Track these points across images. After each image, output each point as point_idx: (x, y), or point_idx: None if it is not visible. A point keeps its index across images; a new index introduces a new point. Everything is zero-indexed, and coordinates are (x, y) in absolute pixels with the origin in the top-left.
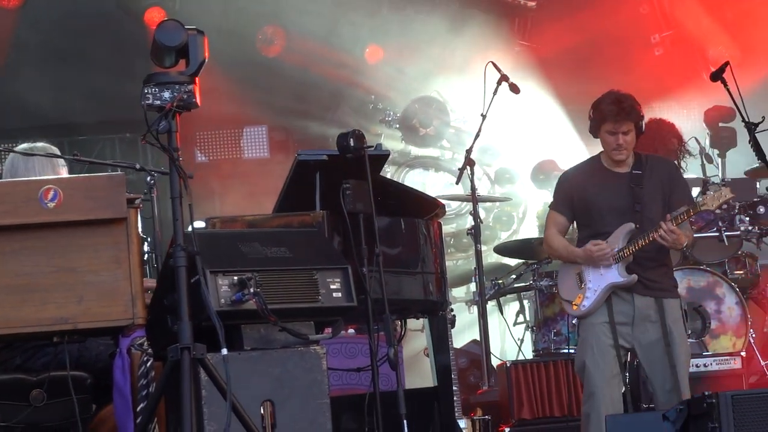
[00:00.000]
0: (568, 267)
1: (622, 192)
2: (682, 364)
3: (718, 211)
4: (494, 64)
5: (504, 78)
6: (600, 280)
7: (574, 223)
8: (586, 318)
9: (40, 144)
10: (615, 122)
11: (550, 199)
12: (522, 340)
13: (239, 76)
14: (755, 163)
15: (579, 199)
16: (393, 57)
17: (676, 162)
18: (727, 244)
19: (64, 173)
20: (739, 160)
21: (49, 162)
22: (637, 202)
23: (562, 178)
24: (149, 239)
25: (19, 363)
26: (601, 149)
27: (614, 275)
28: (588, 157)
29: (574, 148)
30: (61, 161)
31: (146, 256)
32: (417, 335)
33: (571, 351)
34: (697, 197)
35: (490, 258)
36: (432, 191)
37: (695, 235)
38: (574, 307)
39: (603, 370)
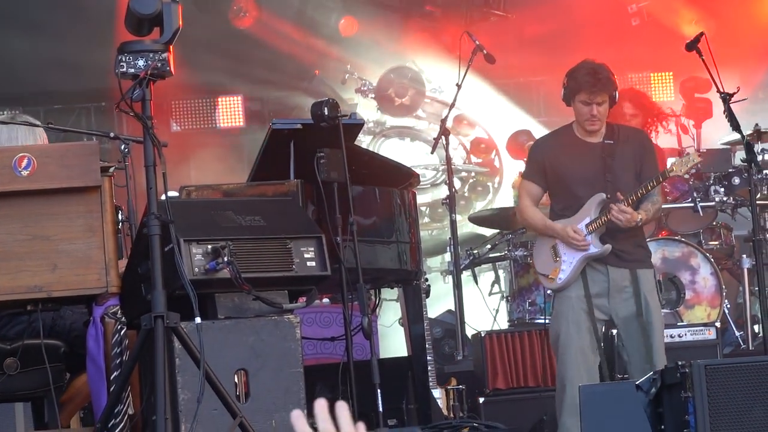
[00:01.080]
0: (543, 241)
1: (593, 162)
2: (656, 334)
3: (686, 176)
4: (469, 34)
5: (479, 48)
6: (574, 252)
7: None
8: (561, 291)
9: (24, 116)
10: (590, 93)
11: (523, 169)
12: (497, 310)
13: (213, 46)
14: (730, 134)
15: (551, 167)
16: (367, 29)
17: (652, 131)
18: (702, 214)
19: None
20: (715, 132)
21: (31, 132)
22: (608, 171)
23: (534, 147)
24: (123, 208)
25: None
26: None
27: (588, 247)
28: (560, 126)
29: (547, 120)
30: (42, 132)
31: (120, 224)
32: (392, 305)
33: (547, 321)
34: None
35: (465, 228)
36: (407, 161)
37: (670, 206)
38: (550, 281)
39: (578, 341)
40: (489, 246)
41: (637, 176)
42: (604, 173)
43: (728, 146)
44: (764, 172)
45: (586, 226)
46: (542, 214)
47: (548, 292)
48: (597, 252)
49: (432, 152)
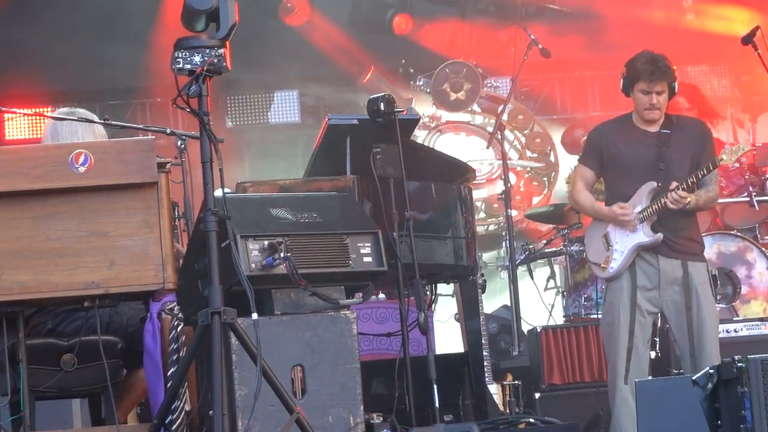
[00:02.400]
0: (595, 229)
1: (648, 150)
2: (708, 327)
3: (737, 164)
4: (524, 29)
5: (534, 42)
6: (626, 240)
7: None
8: (612, 282)
9: (80, 110)
10: (649, 81)
11: (573, 169)
12: (552, 306)
13: (268, 42)
14: None
15: (607, 153)
16: (422, 25)
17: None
18: (757, 209)
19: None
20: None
21: (90, 127)
22: (661, 160)
23: (592, 132)
24: (179, 204)
25: (50, 327)
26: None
27: (639, 235)
28: (620, 115)
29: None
30: (101, 128)
31: (176, 220)
32: (447, 300)
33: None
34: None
35: (521, 223)
36: (463, 156)
37: (726, 201)
38: (602, 269)
39: (628, 334)
40: (545, 241)
41: (693, 165)
42: (657, 161)
43: None
44: None
45: (637, 214)
46: (593, 198)
47: (602, 286)
48: (649, 241)
49: (487, 147)
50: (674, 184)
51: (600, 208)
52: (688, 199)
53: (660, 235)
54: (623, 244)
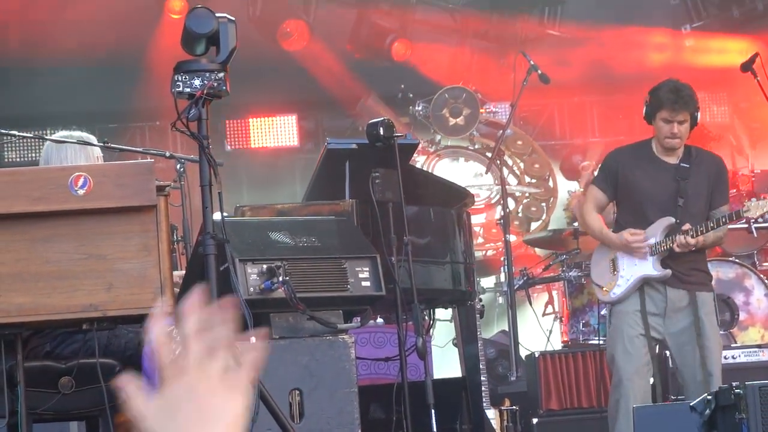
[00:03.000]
0: (603, 252)
1: (667, 183)
2: (714, 356)
3: (761, 220)
4: (524, 54)
5: (533, 68)
6: (634, 269)
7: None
8: (617, 306)
9: (76, 132)
10: (672, 110)
11: (577, 189)
12: (551, 331)
13: (264, 67)
14: None
15: (623, 179)
16: (422, 51)
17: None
18: (756, 235)
19: (99, 162)
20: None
21: (82, 150)
22: (680, 196)
23: (610, 155)
24: (178, 227)
25: (48, 350)
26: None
27: (648, 268)
28: (638, 141)
29: (601, 140)
30: (97, 151)
31: (175, 244)
32: (445, 325)
33: (600, 342)
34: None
35: (520, 248)
36: (461, 181)
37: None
38: (604, 293)
39: (633, 359)
40: (543, 267)
41: (707, 202)
42: (676, 196)
43: None
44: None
45: (650, 247)
46: (602, 223)
47: (602, 312)
48: (657, 275)
49: (486, 172)
50: (687, 226)
51: (609, 234)
52: (694, 242)
53: (669, 272)
54: (630, 272)
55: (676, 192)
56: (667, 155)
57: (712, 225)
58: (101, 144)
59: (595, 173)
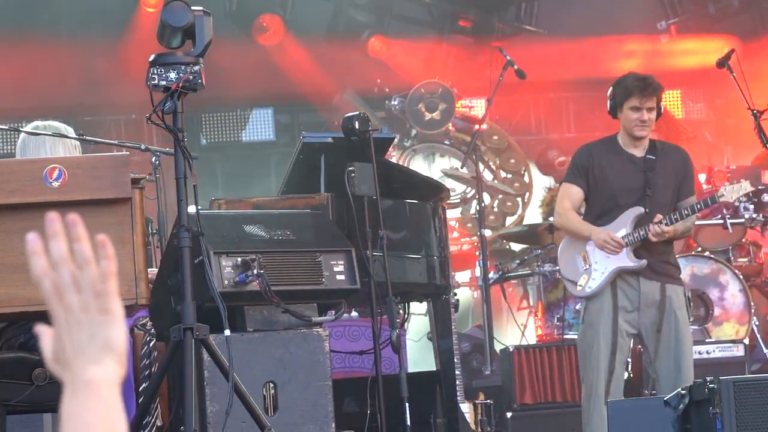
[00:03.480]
0: (572, 246)
1: (635, 175)
2: (686, 350)
3: (737, 203)
4: (500, 50)
5: (509, 63)
6: (607, 262)
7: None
8: (591, 303)
9: (54, 123)
10: (641, 97)
11: (552, 185)
12: (525, 326)
13: (243, 61)
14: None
15: (593, 173)
16: (399, 46)
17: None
18: (731, 231)
19: (77, 152)
20: (746, 149)
21: (60, 141)
22: (648, 187)
23: (579, 151)
24: (153, 220)
25: (23, 341)
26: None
27: (623, 259)
28: (604, 137)
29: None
30: (76, 144)
31: (150, 236)
32: (420, 319)
33: (575, 336)
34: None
35: (495, 243)
36: (437, 176)
37: (699, 223)
38: (578, 288)
39: (606, 354)
40: (518, 261)
41: (675, 193)
42: (644, 187)
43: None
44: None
45: (622, 238)
46: (580, 218)
47: (576, 306)
48: (632, 266)
49: (462, 167)
50: (659, 217)
51: (592, 229)
52: (669, 233)
53: (645, 262)
54: (604, 264)
55: (644, 183)
56: (633, 148)
57: (686, 212)
58: (76, 137)
59: (567, 171)
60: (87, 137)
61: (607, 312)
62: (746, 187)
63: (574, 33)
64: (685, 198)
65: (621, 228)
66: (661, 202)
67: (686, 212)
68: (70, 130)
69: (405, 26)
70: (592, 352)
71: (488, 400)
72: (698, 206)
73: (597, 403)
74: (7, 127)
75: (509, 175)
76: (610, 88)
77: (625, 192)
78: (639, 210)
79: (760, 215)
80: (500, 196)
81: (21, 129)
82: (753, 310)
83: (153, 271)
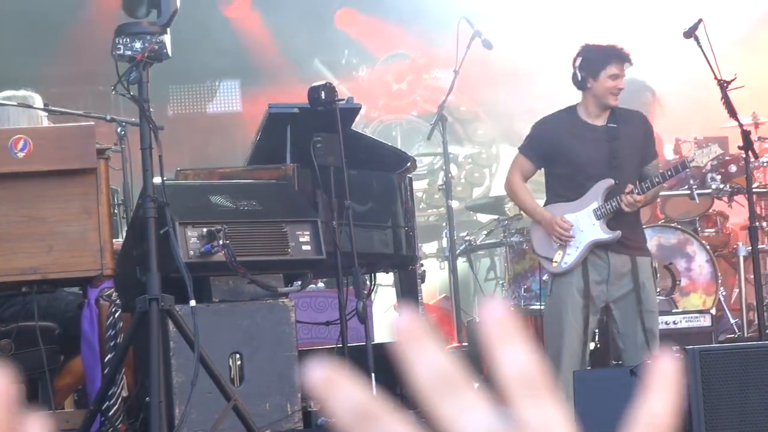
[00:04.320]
0: None
1: (599, 146)
2: (654, 321)
3: (705, 171)
4: (467, 20)
5: (477, 33)
6: (581, 236)
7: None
8: (560, 276)
9: (20, 93)
10: (621, 64)
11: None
12: (493, 296)
13: (209, 32)
14: (728, 121)
15: (553, 148)
16: (366, 19)
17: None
18: (698, 202)
19: (44, 123)
20: (714, 118)
21: (25, 112)
22: (614, 156)
23: (538, 125)
24: (119, 191)
25: None
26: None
27: (597, 232)
28: (565, 108)
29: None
30: (42, 114)
31: (116, 207)
32: (387, 290)
33: (542, 307)
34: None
35: (462, 214)
36: (404, 147)
37: (666, 194)
38: (554, 264)
39: (574, 326)
40: (485, 232)
41: (640, 159)
42: (610, 158)
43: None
44: (761, 160)
45: (594, 211)
46: (531, 195)
47: (544, 277)
48: (608, 238)
49: (429, 138)
50: (630, 187)
51: (540, 211)
52: (641, 202)
53: (619, 233)
54: (579, 238)
55: (609, 153)
56: (594, 118)
57: (657, 180)
58: (42, 108)
59: (524, 141)
60: (52, 108)
61: (578, 286)
62: (716, 150)
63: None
64: (649, 162)
65: (593, 201)
66: (628, 170)
67: (657, 180)
68: (38, 99)
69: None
70: (559, 325)
71: None
72: (669, 173)
73: (564, 373)
74: None
75: (477, 147)
76: (578, 58)
77: (591, 164)
78: (609, 182)
79: (727, 186)
80: (468, 167)
81: None
82: (720, 281)
83: (119, 242)
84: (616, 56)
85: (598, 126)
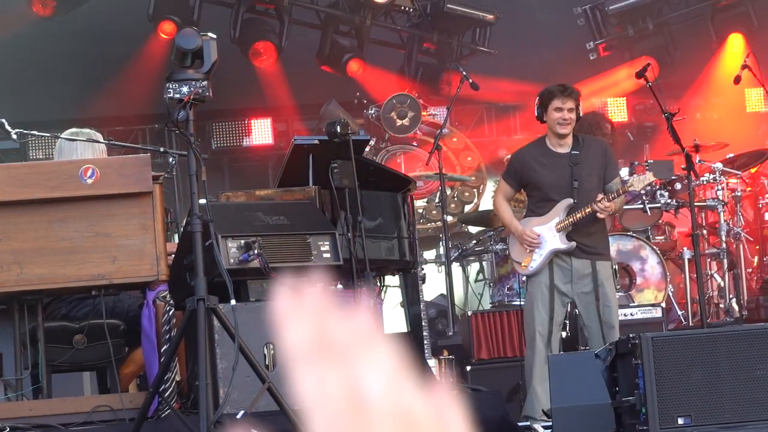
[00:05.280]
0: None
1: (562, 170)
2: (612, 314)
3: (643, 191)
4: (457, 66)
5: (465, 77)
6: (545, 245)
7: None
8: (532, 276)
9: (85, 130)
10: (562, 98)
11: (498, 183)
12: (481, 294)
13: (246, 77)
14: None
15: (526, 174)
16: (374, 67)
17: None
18: (649, 214)
19: (104, 155)
20: (662, 145)
21: (90, 146)
22: (575, 179)
23: (514, 155)
24: (171, 210)
25: (64, 312)
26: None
27: (557, 242)
28: (536, 139)
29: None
30: (103, 147)
31: (168, 223)
32: (394, 290)
33: (522, 302)
34: (626, 179)
35: (456, 226)
36: (406, 170)
37: (625, 207)
38: (523, 267)
39: (545, 319)
40: (475, 241)
41: (600, 180)
42: (571, 180)
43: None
44: (701, 179)
45: (555, 225)
46: (511, 212)
47: (523, 278)
48: (564, 247)
49: (427, 164)
50: (600, 196)
51: (515, 224)
52: (615, 209)
53: (573, 244)
54: (543, 247)
55: (571, 176)
56: (559, 147)
57: (613, 196)
58: (107, 141)
59: (505, 168)
60: (116, 142)
61: (545, 284)
62: (649, 177)
63: (519, 52)
64: (611, 181)
65: (555, 217)
66: (587, 190)
67: (613, 196)
68: (99, 137)
69: (380, 49)
70: (532, 317)
71: (451, 356)
72: (619, 192)
73: (537, 357)
74: (49, 135)
75: (468, 177)
76: (537, 98)
77: (555, 187)
78: (569, 201)
79: (674, 200)
80: (459, 188)
81: (57, 135)
82: (668, 279)
83: (172, 246)
84: (559, 92)
85: (562, 153)
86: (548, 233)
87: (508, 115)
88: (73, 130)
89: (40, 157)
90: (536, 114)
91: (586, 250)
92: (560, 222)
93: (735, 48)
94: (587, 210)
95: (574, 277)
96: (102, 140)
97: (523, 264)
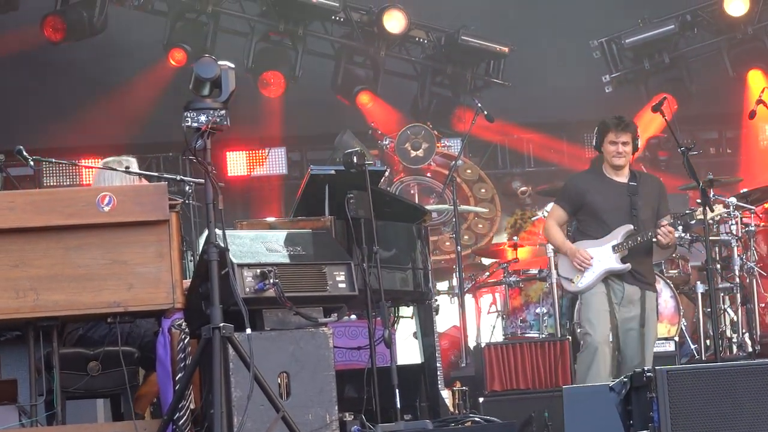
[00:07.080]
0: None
1: (621, 198)
2: (650, 345)
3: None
4: (472, 98)
5: (480, 109)
6: (599, 264)
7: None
8: (588, 295)
9: (122, 158)
10: (617, 132)
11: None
12: (494, 326)
13: (260, 107)
14: (688, 181)
15: (583, 199)
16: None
17: None
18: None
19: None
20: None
21: (120, 176)
22: (633, 207)
23: (571, 179)
24: (187, 238)
25: (81, 333)
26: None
27: (612, 263)
28: (590, 167)
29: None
30: (133, 177)
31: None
32: (407, 320)
33: (535, 335)
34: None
35: (469, 258)
36: (421, 202)
37: None
38: (573, 284)
39: (603, 329)
40: (488, 273)
41: (654, 213)
42: (630, 208)
43: (686, 191)
44: (715, 213)
45: (613, 247)
46: (563, 234)
47: (536, 310)
48: (619, 268)
49: (441, 196)
50: (664, 221)
51: (568, 244)
52: (673, 233)
53: (629, 265)
54: (596, 267)
55: (630, 205)
56: (616, 176)
57: (679, 223)
58: (124, 170)
59: (558, 194)
60: (132, 171)
61: (603, 294)
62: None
63: (533, 85)
64: (663, 216)
65: (612, 240)
66: (644, 220)
67: (679, 223)
68: (133, 162)
69: (394, 79)
70: (591, 324)
71: (464, 387)
72: (677, 223)
73: (594, 371)
74: (66, 162)
75: (483, 210)
76: (596, 127)
77: (610, 213)
78: (629, 227)
79: (688, 234)
80: (473, 219)
81: (73, 162)
82: (682, 313)
83: (187, 282)
84: (614, 125)
85: (620, 182)
86: (604, 254)
87: (522, 147)
88: (109, 158)
89: (53, 184)
90: (594, 144)
91: (638, 278)
92: (618, 245)
93: (756, 83)
94: (649, 235)
95: (624, 301)
96: (135, 168)
97: (572, 281)
